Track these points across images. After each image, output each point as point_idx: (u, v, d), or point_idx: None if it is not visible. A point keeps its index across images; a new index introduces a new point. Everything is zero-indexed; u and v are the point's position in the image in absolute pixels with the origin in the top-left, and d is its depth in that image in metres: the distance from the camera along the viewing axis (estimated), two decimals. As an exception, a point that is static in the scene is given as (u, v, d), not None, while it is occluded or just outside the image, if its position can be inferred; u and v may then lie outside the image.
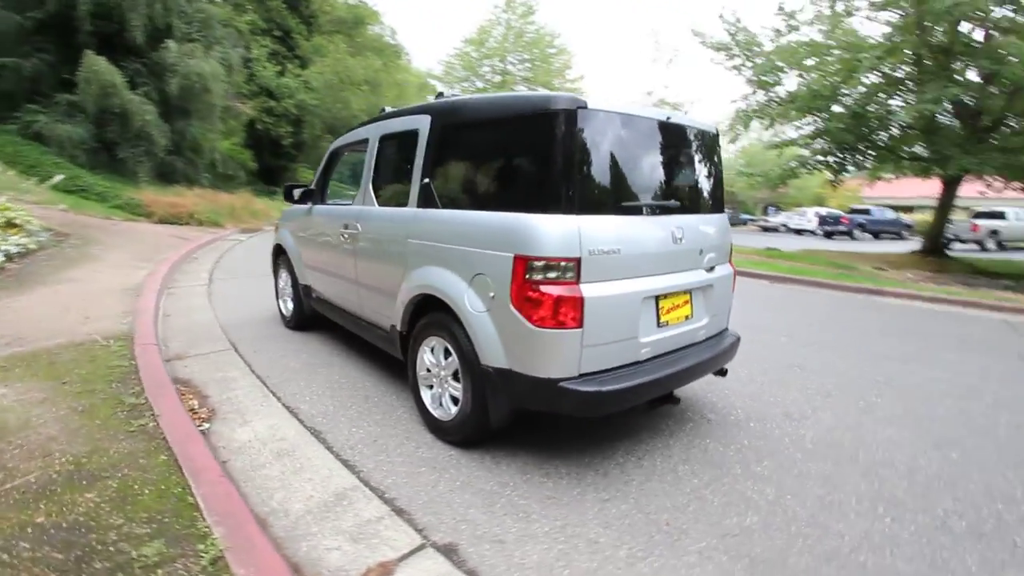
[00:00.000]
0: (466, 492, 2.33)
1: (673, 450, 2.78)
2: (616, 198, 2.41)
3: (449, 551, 1.96)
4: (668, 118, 2.66)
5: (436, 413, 2.80)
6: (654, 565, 1.92)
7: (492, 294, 2.36)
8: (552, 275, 2.20)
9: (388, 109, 3.52)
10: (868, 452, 2.83)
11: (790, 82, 13.36)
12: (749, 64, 12.85)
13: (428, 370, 2.85)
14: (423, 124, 2.94)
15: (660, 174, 2.65)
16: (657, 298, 2.53)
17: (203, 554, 1.74)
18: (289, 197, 4.26)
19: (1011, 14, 9.21)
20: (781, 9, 12.59)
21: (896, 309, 7.01)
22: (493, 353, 2.37)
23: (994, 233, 20.89)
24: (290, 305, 4.70)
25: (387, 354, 3.81)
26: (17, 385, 2.99)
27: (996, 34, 9.72)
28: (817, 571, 1.91)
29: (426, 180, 2.84)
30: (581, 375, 2.28)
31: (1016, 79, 8.60)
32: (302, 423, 2.93)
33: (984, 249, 20.32)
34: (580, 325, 2.22)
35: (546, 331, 2.21)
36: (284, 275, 4.78)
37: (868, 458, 2.76)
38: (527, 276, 2.22)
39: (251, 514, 2.03)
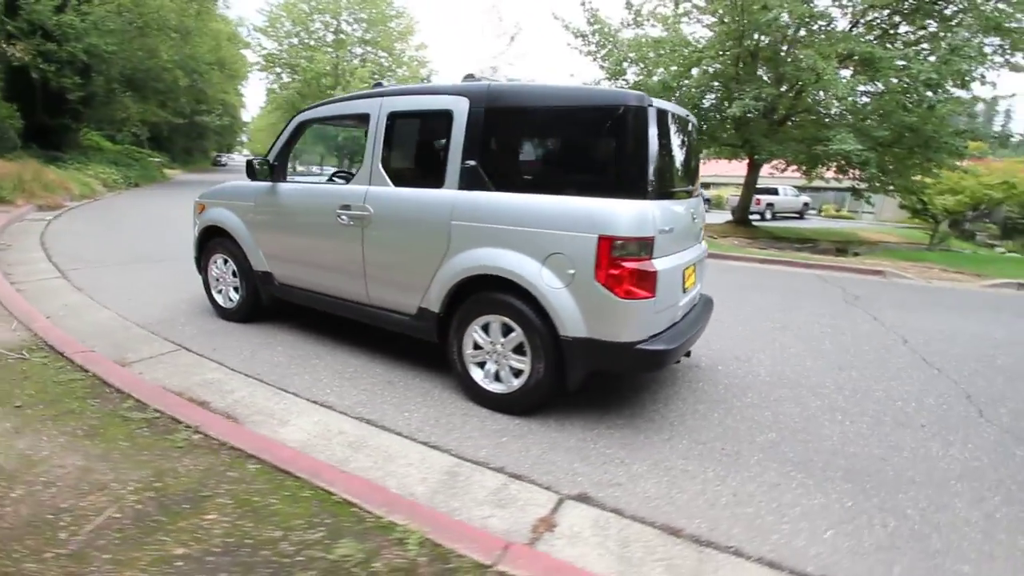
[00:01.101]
0: (558, 451, 2.58)
1: (683, 394, 3.35)
2: (665, 183, 2.80)
3: (584, 499, 2.23)
4: (687, 114, 3.11)
5: (493, 388, 2.94)
6: (737, 478, 2.43)
7: (572, 271, 2.59)
8: (632, 252, 2.52)
9: (387, 83, 3.37)
10: (805, 378, 3.74)
11: (633, 73, 15.08)
12: (603, 54, 14.14)
13: (478, 348, 2.97)
14: (459, 106, 2.94)
15: (681, 161, 3.11)
16: (684, 269, 3.02)
17: (405, 540, 1.75)
18: (254, 174, 3.76)
19: (804, 32, 11.84)
20: (629, 5, 14.06)
21: (744, 270, 8.74)
22: (574, 325, 2.62)
23: (770, 206, 26.42)
24: (235, 296, 4.19)
25: (377, 336, 3.72)
26: (-44, 418, 2.33)
27: (791, 48, 12.34)
28: (834, 463, 2.62)
29: (471, 162, 2.89)
30: (650, 337, 2.67)
31: (808, 83, 11.14)
32: (348, 415, 2.82)
33: (763, 218, 25.58)
34: (654, 295, 2.59)
35: (630, 302, 2.54)
36: (220, 262, 4.22)
37: (808, 382, 3.67)
38: (612, 254, 2.51)
39: (406, 497, 2.03)
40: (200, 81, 24.52)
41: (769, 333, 4.83)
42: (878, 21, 13.02)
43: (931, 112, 11.18)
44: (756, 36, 11.76)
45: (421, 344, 3.82)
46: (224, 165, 49.83)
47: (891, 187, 14.22)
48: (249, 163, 3.76)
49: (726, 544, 2.01)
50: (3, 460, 2.05)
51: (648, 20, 14.32)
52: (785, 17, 11.35)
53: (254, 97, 69.89)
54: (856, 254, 12.76)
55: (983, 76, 11.16)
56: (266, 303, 4.09)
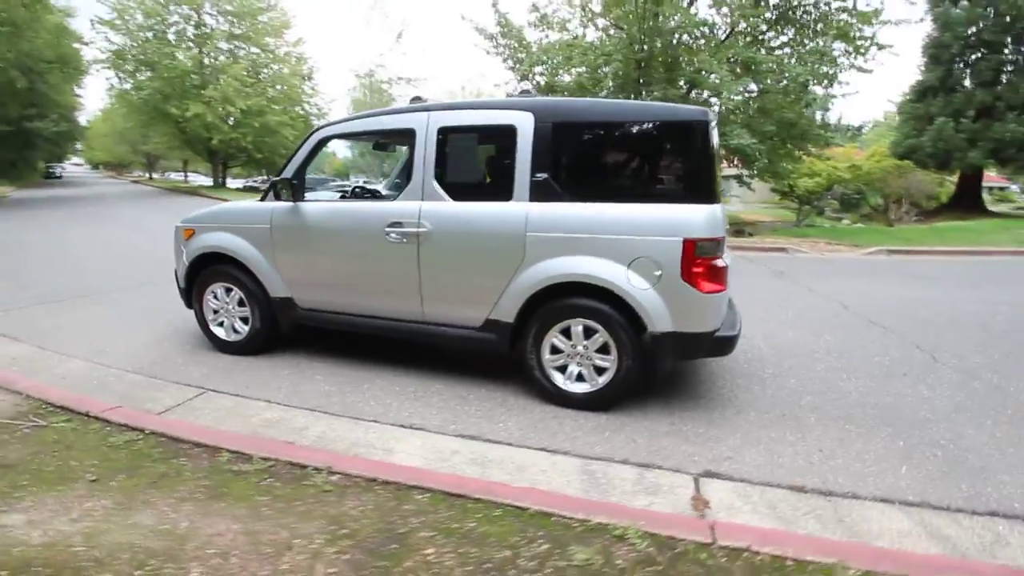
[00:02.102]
0: (661, 438, 2.81)
1: (718, 373, 3.75)
2: (719, 188, 3.13)
3: (712, 475, 2.48)
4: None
5: (576, 388, 3.09)
6: (812, 438, 2.84)
7: (658, 272, 2.83)
8: (710, 251, 2.82)
9: (426, 98, 3.33)
10: (797, 347, 4.35)
11: (539, 73, 15.64)
12: (514, 56, 14.50)
13: (557, 352, 3.10)
14: (523, 121, 3.02)
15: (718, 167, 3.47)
16: (726, 263, 3.39)
17: (626, 536, 1.87)
18: (279, 194, 3.46)
19: (697, 39, 13.28)
20: (535, 8, 14.54)
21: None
22: (661, 320, 2.86)
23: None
24: (242, 327, 3.85)
25: (408, 353, 3.73)
26: (49, 503, 1.98)
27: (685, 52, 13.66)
28: (868, 413, 3.15)
29: (542, 175, 2.99)
30: (722, 325, 3.00)
31: (703, 84, 12.45)
32: (446, 435, 2.81)
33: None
34: (726, 287, 2.91)
35: (709, 295, 2.83)
36: (220, 292, 3.84)
37: (801, 350, 4.27)
38: (695, 254, 2.79)
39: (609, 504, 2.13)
40: (40, 83, 20.90)
41: (746, 310, 5.48)
42: (748, 29, 14.82)
43: (805, 108, 13.07)
44: (657, 42, 12.85)
45: (457, 357, 3.84)
46: (59, 177, 43.27)
47: (768, 174, 16.33)
48: (274, 184, 3.48)
49: (842, 491, 2.38)
50: (145, 541, 1.81)
51: (553, 25, 14.92)
52: (672, 23, 12.54)
53: (92, 99, 60.61)
54: (750, 234, 14.51)
55: (837, 77, 13.26)
56: (286, 331, 3.81)
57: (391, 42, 39.62)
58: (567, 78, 15.05)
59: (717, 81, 11.66)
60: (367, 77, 38.97)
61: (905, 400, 3.35)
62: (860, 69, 13.33)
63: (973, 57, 19.41)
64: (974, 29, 18.65)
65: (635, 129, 2.96)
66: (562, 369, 3.13)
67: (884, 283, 7.12)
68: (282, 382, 3.46)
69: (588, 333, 3.02)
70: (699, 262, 2.79)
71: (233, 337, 3.90)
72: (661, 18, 12.95)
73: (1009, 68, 19.05)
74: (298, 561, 1.74)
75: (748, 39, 14.80)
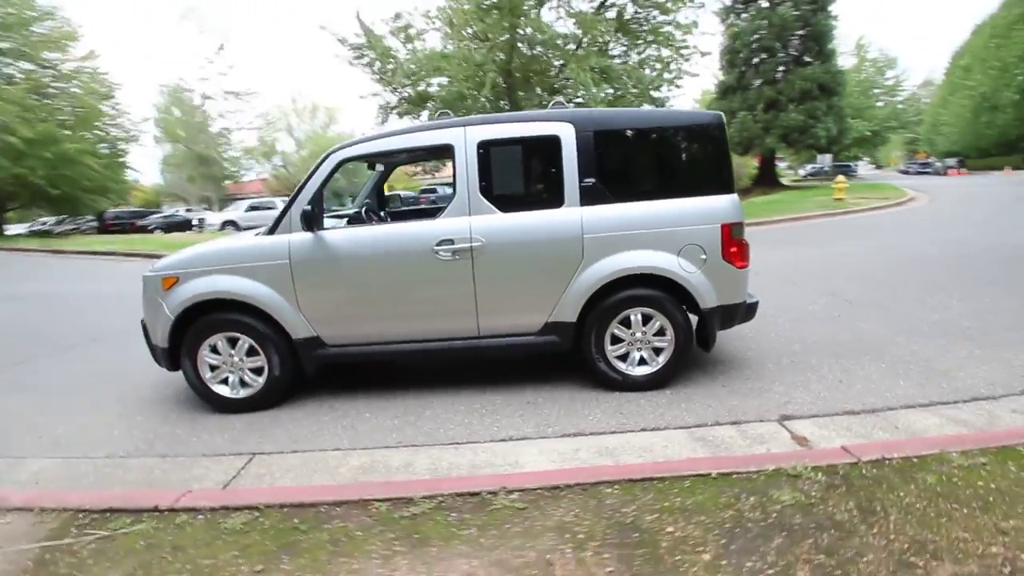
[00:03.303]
0: (726, 400, 3.19)
1: (734, 331, 4.27)
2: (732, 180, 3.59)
3: (789, 417, 2.94)
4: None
5: (639, 372, 3.36)
6: (846, 375, 3.46)
7: (704, 256, 3.22)
8: (739, 233, 3.29)
9: (453, 115, 3.31)
10: (770, 307, 5.16)
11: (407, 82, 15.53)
12: (388, 65, 14.20)
13: (618, 342, 3.34)
14: (565, 131, 3.19)
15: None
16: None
17: (800, 475, 2.20)
18: (311, 224, 3.10)
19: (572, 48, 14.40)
20: (398, 16, 14.38)
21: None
22: (709, 298, 3.26)
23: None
24: (254, 379, 3.40)
25: (435, 370, 3.75)
26: None
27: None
28: (864, 350, 3.92)
29: (590, 180, 3.19)
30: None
31: (574, 90, 13.58)
32: (553, 437, 2.88)
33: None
34: (749, 262, 3.42)
35: (742, 270, 3.31)
36: (220, 345, 3.34)
37: (773, 310, 5.07)
38: (732, 236, 3.24)
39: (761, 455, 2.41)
40: None
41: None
42: (594, 39, 16.44)
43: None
44: (526, 52, 13.66)
45: (491, 363, 3.87)
46: None
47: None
48: (306, 213, 3.12)
49: (878, 407, 3.00)
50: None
51: (413, 38, 14.93)
52: (539, 37, 13.49)
53: None
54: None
55: (675, 81, 15.39)
56: (311, 375, 3.46)
57: (211, 55, 35.16)
58: (433, 88, 15.24)
59: (590, 90, 12.78)
60: (177, 92, 34.45)
61: (857, 334, 4.24)
62: (689, 74, 15.66)
63: (756, 60, 23.92)
64: (756, 37, 23.02)
65: (663, 133, 3.32)
66: (622, 357, 3.38)
67: (756, 251, 8.59)
68: (331, 428, 3.17)
69: (645, 319, 3.32)
70: (734, 243, 3.26)
71: (243, 393, 3.41)
72: (525, 31, 13.79)
73: (781, 68, 23.85)
74: (571, 571, 1.75)
75: (595, 48, 16.42)
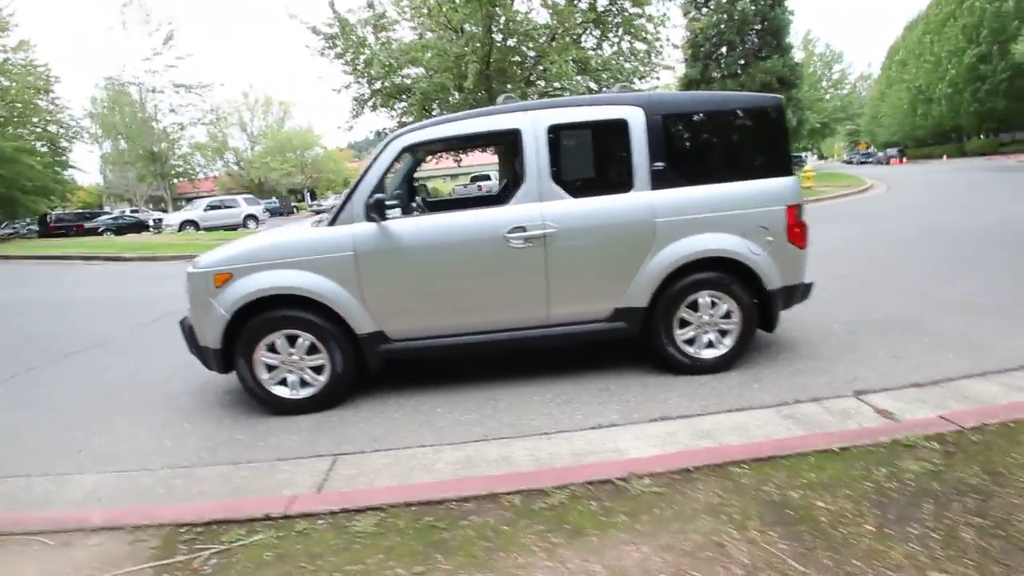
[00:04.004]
0: (795, 379, 3.27)
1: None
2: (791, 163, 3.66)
3: (864, 392, 3.03)
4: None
5: (708, 355, 3.39)
6: (877, 347, 3.61)
7: (770, 238, 3.28)
8: (800, 214, 3.36)
9: (517, 98, 3.23)
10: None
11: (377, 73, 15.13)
12: (355, 57, 13.78)
13: (685, 325, 3.36)
14: (633, 115, 3.17)
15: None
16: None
17: (914, 444, 2.27)
18: (381, 214, 2.95)
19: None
20: (371, 5, 13.95)
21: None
22: (773, 279, 3.32)
23: (481, 188, 30.19)
24: (315, 378, 3.24)
25: (486, 362, 3.70)
26: None
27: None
28: (878, 325, 4.09)
29: (659, 164, 3.19)
30: (802, 275, 3.59)
31: (553, 79, 13.56)
32: (641, 422, 2.88)
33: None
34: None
35: (803, 251, 3.39)
36: (280, 343, 3.17)
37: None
38: (796, 217, 3.31)
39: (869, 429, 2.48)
40: None
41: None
42: (569, 29, 16.47)
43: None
44: (508, 42, 13.53)
45: (546, 352, 3.83)
46: None
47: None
48: (378, 201, 2.97)
49: (940, 378, 3.14)
50: None
51: (387, 27, 14.56)
52: (522, 28, 13.40)
53: None
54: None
55: (652, 72, 15.62)
56: (374, 371, 3.32)
57: (157, 45, 32.78)
58: (409, 80, 14.93)
59: (572, 80, 12.80)
60: (119, 85, 32.22)
61: (885, 313, 4.42)
62: (664, 66, 15.92)
63: (717, 54, 24.60)
64: (717, 31, 23.67)
65: (727, 116, 3.35)
66: (689, 341, 3.40)
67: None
68: (406, 424, 3.06)
69: (712, 302, 3.35)
70: (798, 224, 3.33)
71: (304, 393, 3.25)
72: (500, 21, 13.67)
73: (741, 62, 24.62)
74: (745, 551, 1.74)
75: (569, 39, 16.45)
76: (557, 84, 14.40)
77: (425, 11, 14.16)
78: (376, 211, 3.04)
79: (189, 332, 3.30)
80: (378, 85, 14.79)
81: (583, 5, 15.72)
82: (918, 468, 2.14)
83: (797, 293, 3.49)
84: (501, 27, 13.97)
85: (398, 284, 3.18)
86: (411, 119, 15.81)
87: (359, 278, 3.12)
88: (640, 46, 16.11)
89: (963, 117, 37.89)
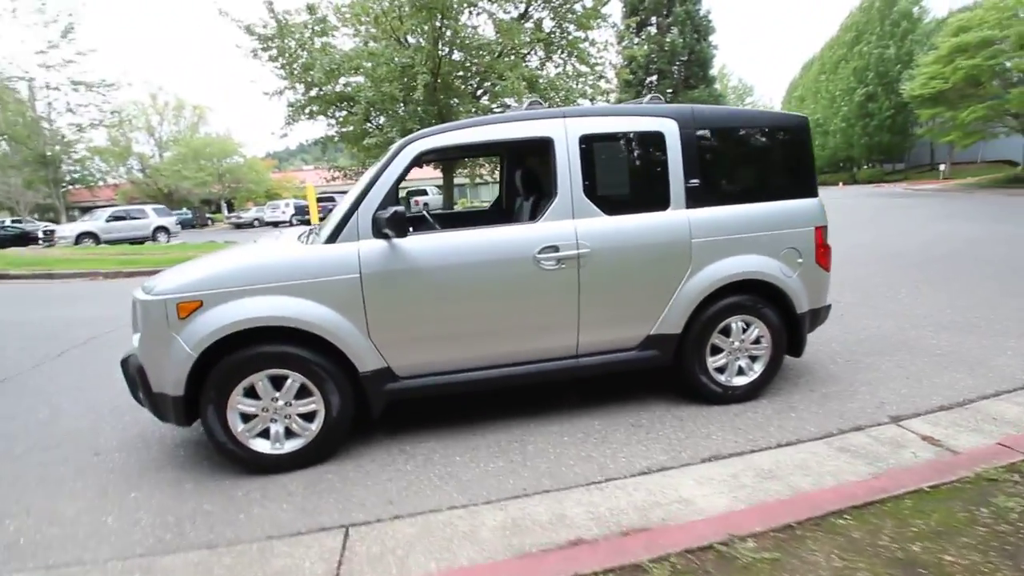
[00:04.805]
0: (827, 405, 3.15)
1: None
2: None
3: (900, 418, 2.95)
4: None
5: (739, 382, 3.20)
6: (885, 370, 3.60)
7: (800, 260, 3.16)
8: (826, 235, 3.28)
9: (544, 104, 2.90)
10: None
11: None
12: (300, 61, 12.90)
13: (717, 352, 3.15)
14: (669, 127, 2.94)
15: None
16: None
17: (1003, 477, 2.14)
18: (400, 229, 2.45)
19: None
20: (311, 10, 13.16)
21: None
22: (803, 302, 3.19)
23: (426, 205, 29.53)
24: (304, 427, 2.67)
25: (501, 400, 3.40)
26: None
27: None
28: (882, 345, 4.13)
29: (695, 181, 2.97)
30: (818, 297, 3.51)
31: (505, 94, 13.40)
32: (693, 464, 2.60)
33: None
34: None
35: (828, 272, 3.31)
36: (262, 386, 2.58)
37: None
38: (823, 239, 3.22)
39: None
40: None
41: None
42: (515, 47, 16.51)
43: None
44: (454, 55, 13.26)
45: (554, 385, 3.49)
46: None
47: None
48: (397, 217, 2.48)
49: (963, 400, 3.12)
50: None
51: (326, 32, 13.82)
52: (478, 42, 13.22)
53: None
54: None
55: (596, 94, 15.92)
56: (377, 415, 2.80)
57: (55, 39, 28.71)
58: (348, 88, 14.23)
59: (521, 99, 12.70)
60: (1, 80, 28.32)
61: (874, 332, 4.49)
62: (607, 91, 16.30)
63: (650, 81, 25.81)
64: (650, 60, 24.87)
65: (757, 133, 3.21)
66: (719, 368, 3.19)
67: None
68: (423, 479, 2.57)
69: (746, 328, 3.17)
70: (824, 245, 3.24)
71: (290, 446, 2.66)
72: (445, 35, 13.41)
73: (670, 91, 25.96)
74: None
75: (514, 57, 16.50)
76: (505, 101, 14.33)
77: (367, 20, 13.57)
78: (394, 226, 2.55)
79: (138, 375, 2.62)
80: (316, 92, 13.93)
81: (529, 25, 15.86)
82: (1016, 505, 2.01)
83: (821, 315, 3.40)
84: (447, 40, 13.72)
85: (411, 311, 2.70)
86: (351, 128, 15.05)
87: (365, 305, 2.62)
88: (584, 68, 16.47)
89: (855, 148, 42.26)
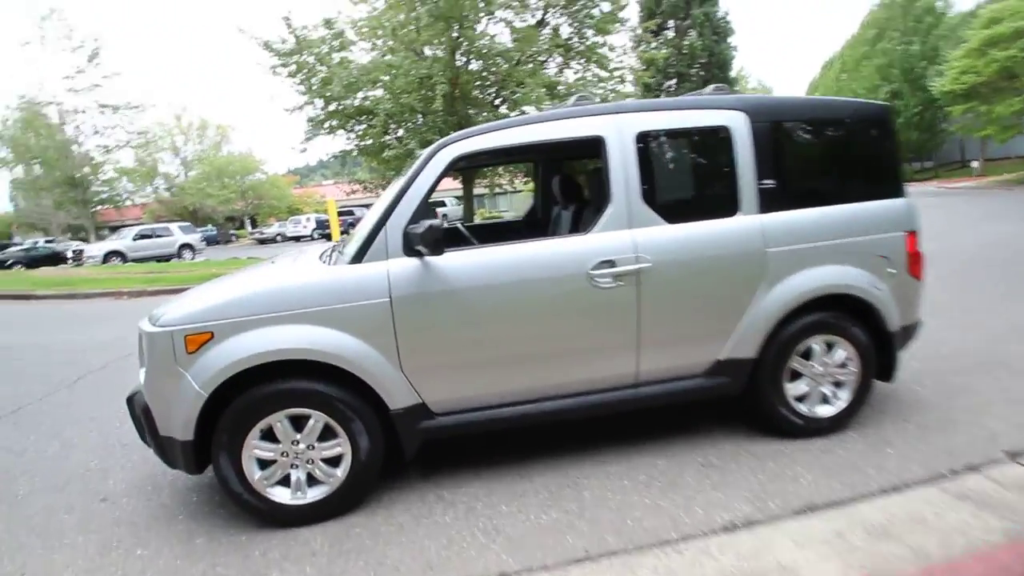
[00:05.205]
0: (927, 439, 2.71)
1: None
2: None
3: (1017, 455, 2.49)
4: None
5: (824, 412, 2.78)
6: (974, 396, 3.14)
7: (891, 270, 2.73)
8: (919, 242, 2.85)
9: (592, 98, 2.56)
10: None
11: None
12: (320, 75, 12.85)
13: (797, 377, 2.74)
14: (736, 122, 2.57)
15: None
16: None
17: None
18: (436, 247, 2.13)
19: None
20: (328, 25, 13.12)
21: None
22: (894, 318, 2.77)
23: (445, 216, 29.49)
24: (329, 472, 2.34)
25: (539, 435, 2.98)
26: None
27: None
28: (949, 365, 3.65)
29: (768, 182, 2.59)
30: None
31: (526, 102, 13.13)
32: (785, 517, 2.19)
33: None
34: (922, 274, 2.99)
35: (922, 282, 2.87)
36: (281, 427, 2.26)
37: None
38: (916, 245, 2.79)
39: None
40: None
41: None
42: (535, 54, 16.27)
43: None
44: (471, 65, 13.09)
45: (615, 416, 3.08)
46: None
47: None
48: (431, 231, 2.15)
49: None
50: None
51: (346, 46, 13.77)
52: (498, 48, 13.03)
53: None
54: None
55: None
56: (409, 457, 2.45)
57: (81, 62, 29.33)
58: (369, 101, 14.12)
59: (542, 107, 12.45)
60: (33, 106, 29.09)
61: (952, 342, 3.98)
62: (627, 94, 15.94)
63: (669, 84, 25.36)
64: (666, 63, 24.41)
65: (837, 125, 2.81)
66: (800, 397, 2.78)
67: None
68: (465, 533, 2.21)
69: (829, 349, 2.76)
70: (917, 253, 2.81)
71: (313, 495, 2.33)
72: (462, 45, 13.24)
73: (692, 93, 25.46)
74: None
75: (533, 64, 16.26)
76: (524, 109, 14.07)
77: (384, 33, 13.46)
78: (428, 243, 2.20)
79: (144, 416, 2.32)
80: (335, 106, 13.85)
81: (547, 31, 15.62)
82: None
83: (911, 333, 2.96)
84: (464, 50, 13.55)
85: (449, 339, 2.36)
86: (371, 142, 14.92)
87: (397, 333, 2.29)
88: (604, 73, 16.15)
89: (882, 148, 41.12)
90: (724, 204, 2.58)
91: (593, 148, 2.50)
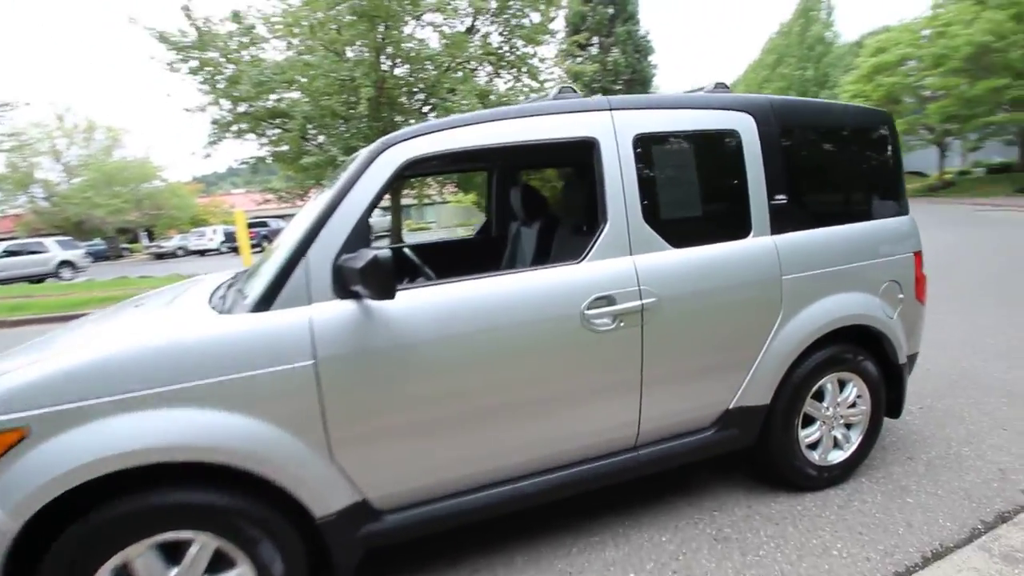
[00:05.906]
0: (946, 482, 2.42)
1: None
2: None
3: (1049, 499, 2.26)
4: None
5: (835, 459, 2.43)
6: (992, 424, 2.96)
7: (901, 295, 2.43)
8: (922, 263, 2.58)
9: (578, 92, 2.03)
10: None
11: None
12: (225, 73, 11.50)
13: (810, 423, 2.36)
14: (745, 125, 2.14)
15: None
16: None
17: None
18: (385, 289, 1.46)
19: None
20: (236, 19, 11.84)
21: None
22: (902, 349, 2.47)
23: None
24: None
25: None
26: None
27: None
28: (970, 392, 3.50)
29: (781, 198, 2.18)
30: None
31: (457, 111, 12.51)
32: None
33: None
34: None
35: (925, 306, 2.60)
36: (147, 566, 1.51)
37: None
38: (921, 267, 2.52)
39: None
40: None
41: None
42: (463, 61, 15.77)
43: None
44: (397, 70, 12.31)
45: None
46: None
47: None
48: (380, 265, 1.47)
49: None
50: None
51: (256, 42, 12.53)
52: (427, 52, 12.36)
53: None
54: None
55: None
56: (348, 574, 1.76)
57: None
58: (281, 104, 12.94)
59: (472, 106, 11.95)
60: None
61: (938, 363, 3.79)
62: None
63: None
64: (591, 79, 24.90)
65: (845, 133, 2.46)
66: (811, 444, 2.40)
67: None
68: None
69: (842, 386, 2.41)
70: (923, 276, 2.54)
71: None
72: (388, 50, 12.50)
73: (616, 108, 26.10)
74: None
75: (463, 72, 15.76)
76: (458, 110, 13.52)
77: (298, 31, 12.37)
78: (373, 280, 1.53)
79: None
80: (244, 108, 12.52)
81: (477, 39, 15.19)
82: None
83: (912, 364, 2.69)
84: (389, 53, 12.79)
85: (400, 413, 1.71)
86: (287, 148, 13.66)
87: (325, 410, 1.61)
88: (535, 84, 15.96)
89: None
90: (734, 223, 2.15)
91: (582, 153, 1.96)
